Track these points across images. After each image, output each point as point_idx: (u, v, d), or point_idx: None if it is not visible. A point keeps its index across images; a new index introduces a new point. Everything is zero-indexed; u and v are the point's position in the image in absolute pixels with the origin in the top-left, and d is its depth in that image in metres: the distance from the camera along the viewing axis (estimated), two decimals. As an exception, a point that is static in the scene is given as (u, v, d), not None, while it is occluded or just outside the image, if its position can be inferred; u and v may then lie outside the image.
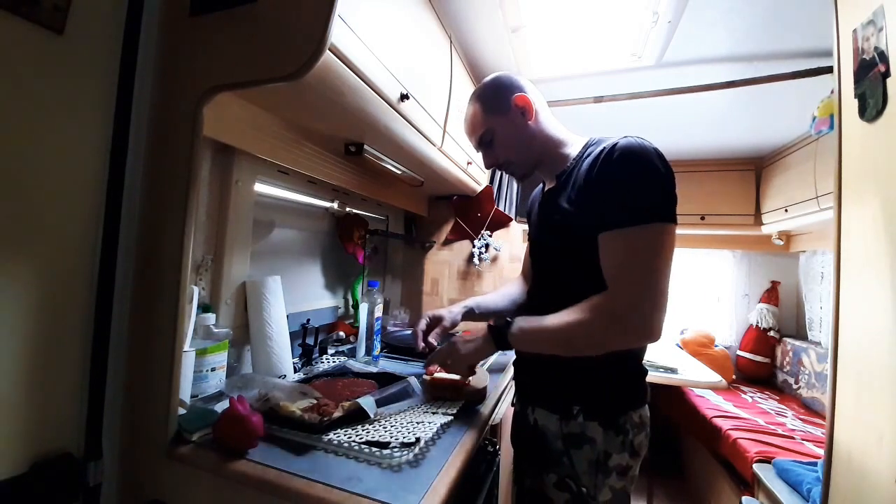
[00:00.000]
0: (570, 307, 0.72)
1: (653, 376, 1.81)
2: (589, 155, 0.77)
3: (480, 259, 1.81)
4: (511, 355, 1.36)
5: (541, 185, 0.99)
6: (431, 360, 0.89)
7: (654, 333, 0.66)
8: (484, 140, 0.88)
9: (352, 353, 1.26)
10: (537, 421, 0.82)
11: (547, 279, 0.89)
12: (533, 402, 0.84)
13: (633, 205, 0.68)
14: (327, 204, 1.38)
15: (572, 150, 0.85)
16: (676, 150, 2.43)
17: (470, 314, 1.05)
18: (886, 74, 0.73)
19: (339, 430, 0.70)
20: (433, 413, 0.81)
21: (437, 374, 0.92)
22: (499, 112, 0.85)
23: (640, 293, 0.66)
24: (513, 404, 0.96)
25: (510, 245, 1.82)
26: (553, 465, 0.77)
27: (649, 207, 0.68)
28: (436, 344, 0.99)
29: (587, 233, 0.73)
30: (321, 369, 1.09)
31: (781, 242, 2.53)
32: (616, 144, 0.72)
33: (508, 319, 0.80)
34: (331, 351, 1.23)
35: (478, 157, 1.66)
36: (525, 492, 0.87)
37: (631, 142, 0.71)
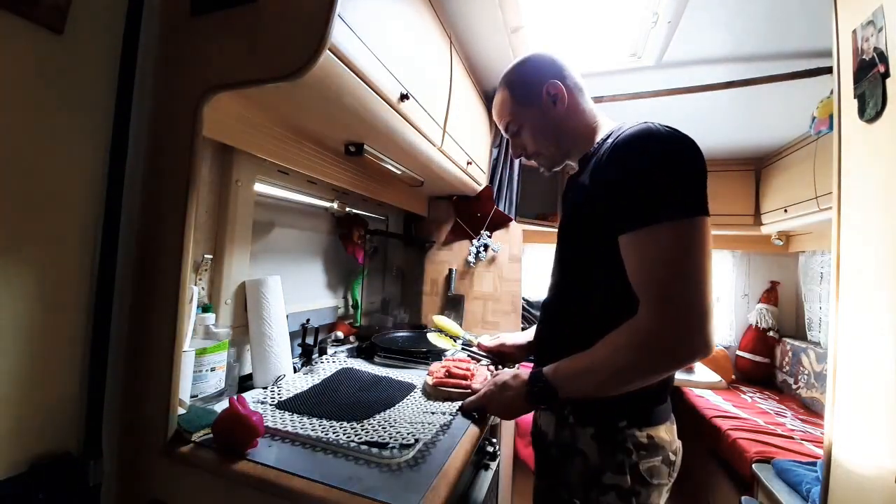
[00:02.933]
0: (606, 340, 0.64)
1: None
2: (608, 138, 0.71)
3: (477, 258, 1.81)
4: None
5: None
6: (468, 406, 0.81)
7: (706, 348, 0.57)
8: (510, 129, 0.85)
9: (351, 354, 1.26)
10: (541, 426, 0.82)
11: (565, 267, 0.81)
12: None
13: (646, 200, 0.59)
14: (327, 204, 1.38)
15: (602, 133, 0.79)
16: (676, 150, 2.43)
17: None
18: (886, 75, 0.73)
19: (344, 422, 0.71)
20: (432, 413, 0.81)
21: (440, 378, 0.92)
22: (528, 103, 0.81)
23: (677, 310, 0.57)
24: None
25: (509, 246, 1.82)
26: (550, 471, 0.76)
27: (667, 201, 0.58)
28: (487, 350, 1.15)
29: (600, 225, 0.67)
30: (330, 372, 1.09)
31: (781, 243, 2.53)
32: (627, 131, 0.65)
33: (543, 376, 0.70)
34: (330, 351, 1.23)
35: (478, 157, 1.67)
36: (535, 488, 0.86)
37: (638, 128, 0.64)
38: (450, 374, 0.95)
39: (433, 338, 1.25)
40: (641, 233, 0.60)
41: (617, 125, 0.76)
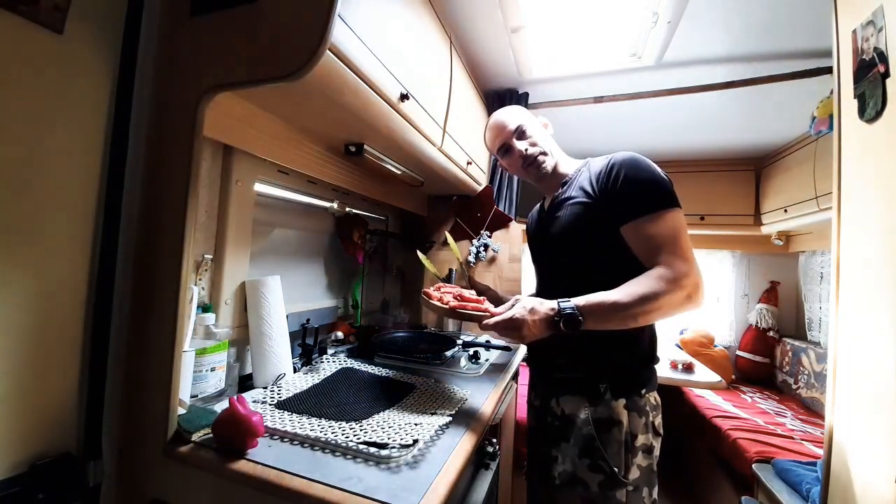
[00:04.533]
0: (630, 281, 0.77)
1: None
2: (588, 167, 0.93)
3: (477, 258, 1.81)
4: (510, 356, 1.36)
5: (538, 205, 1.09)
6: (496, 326, 0.80)
7: (703, 299, 0.77)
8: (521, 128, 1.00)
9: (351, 354, 1.26)
10: (564, 411, 0.87)
11: (556, 284, 0.95)
12: (558, 394, 0.90)
13: (657, 195, 0.80)
14: (327, 204, 1.38)
15: (572, 166, 1.00)
16: (676, 150, 2.43)
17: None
18: (886, 75, 0.73)
19: (344, 422, 0.71)
20: (431, 414, 0.81)
21: (459, 303, 0.90)
22: (531, 117, 1.03)
23: (690, 265, 0.76)
24: (530, 402, 1.01)
25: (509, 246, 1.82)
26: (585, 449, 0.83)
27: (670, 196, 0.80)
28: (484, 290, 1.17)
29: (602, 223, 0.84)
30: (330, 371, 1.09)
31: (781, 243, 2.53)
32: (616, 155, 0.86)
33: (572, 303, 0.75)
34: (330, 351, 1.23)
35: (478, 157, 1.67)
36: (558, 476, 0.87)
37: (629, 154, 0.86)
38: (462, 298, 0.93)
39: (423, 258, 1.23)
40: (649, 217, 0.79)
41: (587, 159, 0.99)
